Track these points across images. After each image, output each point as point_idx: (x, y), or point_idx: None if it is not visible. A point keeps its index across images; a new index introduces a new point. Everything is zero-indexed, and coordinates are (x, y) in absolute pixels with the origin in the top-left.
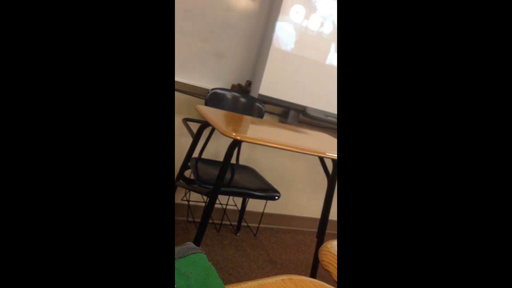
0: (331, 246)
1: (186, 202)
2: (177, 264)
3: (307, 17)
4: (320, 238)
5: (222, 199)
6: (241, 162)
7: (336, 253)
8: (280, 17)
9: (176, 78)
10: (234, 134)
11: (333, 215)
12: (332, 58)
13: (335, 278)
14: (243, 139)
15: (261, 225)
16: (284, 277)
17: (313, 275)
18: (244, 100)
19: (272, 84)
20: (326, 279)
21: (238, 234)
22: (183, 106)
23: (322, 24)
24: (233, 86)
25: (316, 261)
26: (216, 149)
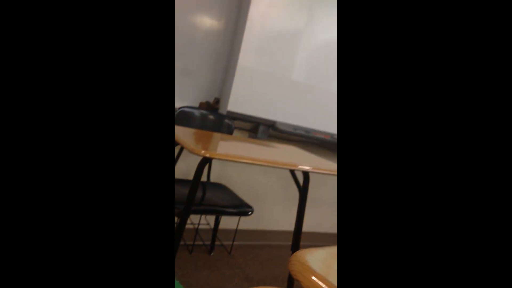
0: (300, 255)
1: None
2: None
3: (272, 33)
4: (295, 251)
5: (194, 218)
6: (212, 179)
7: (305, 262)
8: (246, 34)
9: None
10: (203, 151)
11: (306, 226)
12: (298, 73)
13: (305, 287)
14: (212, 156)
15: (235, 242)
16: None
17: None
18: (213, 118)
19: (240, 101)
20: None
21: (212, 254)
22: None
23: (288, 40)
24: (201, 104)
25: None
26: (186, 168)
